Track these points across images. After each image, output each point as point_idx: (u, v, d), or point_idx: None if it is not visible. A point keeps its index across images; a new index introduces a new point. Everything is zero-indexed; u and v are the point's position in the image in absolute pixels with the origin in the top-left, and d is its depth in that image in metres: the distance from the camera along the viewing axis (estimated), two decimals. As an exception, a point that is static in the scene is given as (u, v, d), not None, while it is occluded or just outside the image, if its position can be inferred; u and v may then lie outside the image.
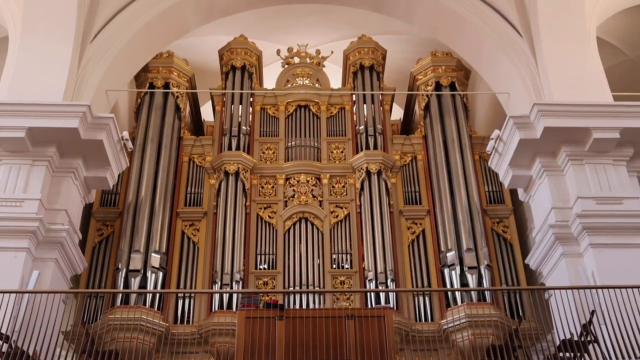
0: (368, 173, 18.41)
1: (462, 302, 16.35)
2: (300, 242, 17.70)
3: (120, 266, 16.71)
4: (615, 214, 13.97)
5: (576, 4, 16.09)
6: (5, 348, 11.33)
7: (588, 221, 13.85)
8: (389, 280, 16.74)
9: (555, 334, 13.15)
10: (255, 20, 20.30)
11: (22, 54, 15.18)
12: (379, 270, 16.84)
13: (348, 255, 17.53)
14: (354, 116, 19.85)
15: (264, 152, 19.20)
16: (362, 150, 18.83)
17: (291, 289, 16.84)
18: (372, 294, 16.42)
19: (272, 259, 17.47)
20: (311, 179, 18.68)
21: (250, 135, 19.35)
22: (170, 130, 19.18)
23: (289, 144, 19.33)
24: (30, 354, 11.29)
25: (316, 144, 19.36)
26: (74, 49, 15.26)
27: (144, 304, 16.19)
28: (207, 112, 22.01)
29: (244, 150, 18.81)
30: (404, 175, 19.05)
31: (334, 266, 17.38)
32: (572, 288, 12.74)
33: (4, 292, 11.72)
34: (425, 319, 16.61)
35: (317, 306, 16.24)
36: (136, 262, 16.72)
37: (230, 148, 18.77)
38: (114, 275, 16.85)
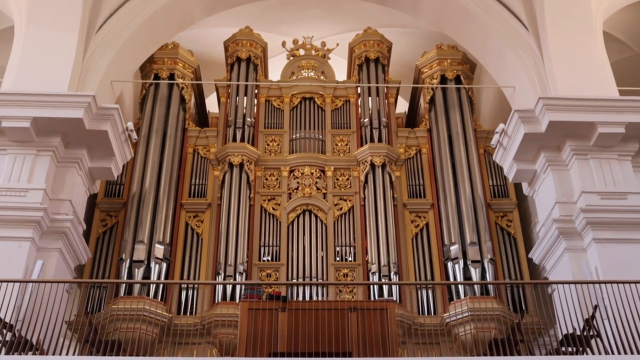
0: (372, 166, 18.42)
1: (465, 295, 16.37)
2: (303, 235, 17.74)
3: (124, 257, 16.77)
4: (620, 209, 13.98)
5: (583, -2, 16.15)
6: (9, 337, 11.39)
7: (592, 216, 13.88)
8: (392, 273, 16.77)
9: (557, 328, 13.17)
10: (261, 12, 20.33)
11: (27, 44, 15.24)
12: (382, 263, 16.89)
13: (351, 248, 17.57)
14: (359, 109, 19.85)
15: (268, 144, 19.24)
16: (366, 143, 18.85)
17: (294, 281, 16.89)
18: (375, 286, 16.49)
19: (276, 251, 17.52)
20: (315, 171, 18.70)
21: (255, 127, 19.37)
22: (175, 121, 19.21)
23: (294, 136, 19.35)
24: (34, 343, 11.36)
25: (321, 136, 19.37)
26: (79, 39, 15.32)
27: (147, 294, 16.27)
28: (212, 104, 22.06)
29: (248, 142, 18.83)
30: (408, 168, 19.07)
31: (338, 259, 17.45)
32: (575, 283, 12.84)
33: (8, 282, 11.82)
34: (428, 312, 16.68)
35: (320, 298, 16.30)
36: (140, 252, 16.77)
37: (234, 140, 18.78)
38: (118, 266, 16.91)
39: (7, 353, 11.07)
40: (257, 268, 17.24)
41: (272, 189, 18.51)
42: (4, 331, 11.36)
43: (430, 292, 16.88)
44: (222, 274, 16.72)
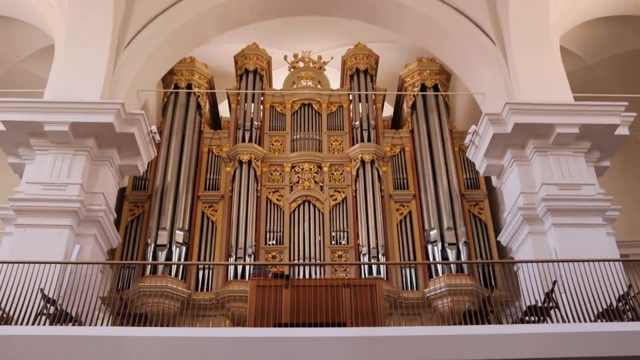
0: (362, 162, 18.45)
1: (442, 273, 16.38)
2: (303, 222, 17.75)
3: (149, 241, 16.83)
4: (575, 198, 14.05)
5: (542, 17, 16.08)
6: (52, 310, 11.47)
7: (551, 204, 13.95)
8: (380, 255, 16.80)
9: (522, 300, 13.24)
10: (266, 30, 20.27)
11: (66, 59, 15.22)
12: (371, 246, 16.92)
13: (345, 233, 17.58)
14: (351, 113, 19.82)
15: (272, 144, 19.25)
16: (357, 142, 18.85)
17: (296, 261, 16.90)
18: (366, 266, 16.43)
19: (280, 236, 17.54)
20: (313, 167, 18.72)
21: (261, 129, 19.37)
22: (192, 125, 19.23)
23: (294, 137, 19.36)
24: (73, 315, 11.43)
25: (318, 137, 19.38)
26: (109, 55, 15.31)
27: (170, 274, 16.28)
28: (224, 109, 22.05)
29: (255, 142, 18.85)
30: (393, 164, 19.08)
31: (333, 242, 17.45)
32: (537, 261, 12.83)
33: (51, 263, 11.90)
34: (411, 288, 16.69)
35: (318, 276, 16.23)
36: (163, 238, 16.83)
37: (243, 140, 18.81)
38: (144, 249, 16.95)
39: (51, 324, 11.18)
40: (264, 251, 17.26)
41: (276, 183, 18.53)
42: (48, 305, 11.42)
43: (413, 270, 16.88)
44: (234, 256, 16.78)
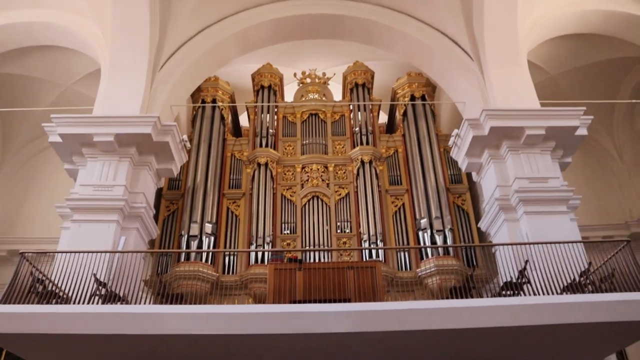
0: (362, 162, 18.51)
1: (432, 255, 16.44)
2: (313, 214, 17.81)
3: (183, 233, 16.91)
4: (542, 189, 14.04)
5: (512, 36, 15.98)
6: (103, 292, 11.61)
7: (523, 195, 13.95)
8: (378, 241, 16.87)
9: (499, 277, 13.27)
10: (278, 52, 20.30)
11: (110, 81, 15.32)
12: (371, 233, 16.98)
13: (348, 223, 17.65)
14: (351, 121, 19.88)
15: (285, 148, 19.30)
16: (357, 145, 18.91)
17: (307, 248, 16.98)
18: (366, 251, 16.53)
19: (293, 226, 17.61)
20: (321, 167, 18.78)
21: (276, 136, 19.44)
22: (217, 133, 19.29)
23: (304, 142, 19.42)
24: (121, 296, 11.56)
25: (324, 141, 19.43)
26: (147, 76, 15.39)
27: (201, 260, 16.38)
28: (244, 120, 22.08)
29: (271, 147, 18.92)
30: (388, 163, 19.11)
31: (338, 231, 17.51)
32: (511, 244, 12.78)
33: (101, 252, 12.04)
34: (405, 269, 16.74)
35: (326, 260, 16.34)
36: (194, 229, 16.90)
37: (261, 146, 18.88)
38: (179, 239, 17.04)
39: (102, 303, 11.31)
40: (280, 239, 17.33)
41: (289, 181, 18.59)
42: (100, 288, 11.55)
43: (406, 254, 16.92)
44: (254, 244, 16.83)
